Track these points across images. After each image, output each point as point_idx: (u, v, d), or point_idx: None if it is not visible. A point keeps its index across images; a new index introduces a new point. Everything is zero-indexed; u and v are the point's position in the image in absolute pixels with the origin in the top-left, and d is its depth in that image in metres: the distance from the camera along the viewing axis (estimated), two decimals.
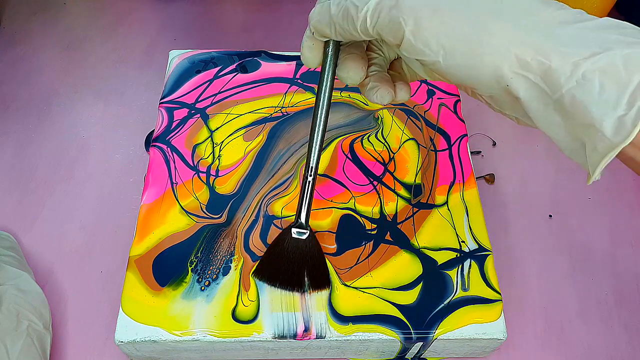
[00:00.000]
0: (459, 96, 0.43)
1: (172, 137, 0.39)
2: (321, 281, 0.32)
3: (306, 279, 0.32)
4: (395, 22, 0.22)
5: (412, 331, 0.32)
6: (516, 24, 0.21)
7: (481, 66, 0.21)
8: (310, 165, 0.30)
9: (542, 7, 0.21)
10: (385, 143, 0.40)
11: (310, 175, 0.30)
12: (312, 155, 0.29)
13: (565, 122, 0.21)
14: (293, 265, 0.32)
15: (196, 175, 0.37)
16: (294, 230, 0.31)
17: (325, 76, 0.27)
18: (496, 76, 0.21)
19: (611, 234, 0.41)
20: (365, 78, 0.28)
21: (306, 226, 0.31)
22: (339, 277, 0.33)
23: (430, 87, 0.43)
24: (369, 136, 0.40)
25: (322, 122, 0.28)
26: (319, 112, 0.28)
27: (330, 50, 0.27)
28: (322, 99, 0.28)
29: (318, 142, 0.29)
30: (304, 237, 0.31)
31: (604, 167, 0.20)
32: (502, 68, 0.21)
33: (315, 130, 0.29)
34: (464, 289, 0.33)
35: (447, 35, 0.22)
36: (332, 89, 0.28)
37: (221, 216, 0.35)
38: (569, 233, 0.41)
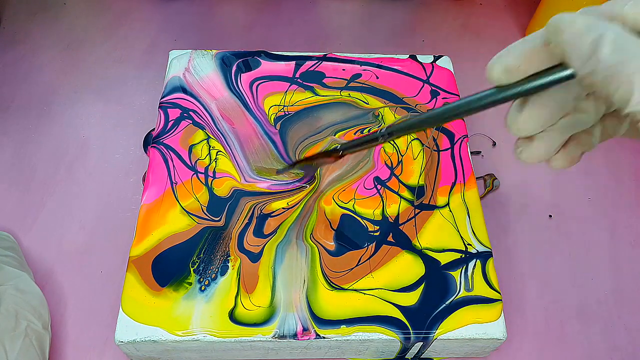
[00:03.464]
0: (459, 96, 0.43)
1: (172, 137, 0.39)
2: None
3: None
4: None
5: (411, 331, 0.32)
6: None
7: None
8: (392, 131, 0.26)
9: None
10: (395, 145, 0.39)
11: (383, 137, 0.27)
12: (403, 130, 0.26)
13: None
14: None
15: (195, 175, 0.37)
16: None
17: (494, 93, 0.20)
18: None
19: (611, 234, 0.41)
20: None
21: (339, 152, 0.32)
22: (327, 281, 0.33)
23: (433, 88, 0.43)
24: (369, 130, 0.40)
25: (442, 118, 0.23)
26: (453, 109, 0.22)
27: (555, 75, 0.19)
28: (467, 103, 0.21)
29: (418, 126, 0.25)
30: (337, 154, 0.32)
31: None
32: None
33: (433, 116, 0.23)
34: (468, 290, 0.33)
35: None
36: (484, 106, 0.21)
37: (220, 219, 0.35)
38: (569, 233, 0.41)
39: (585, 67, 0.17)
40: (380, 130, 0.27)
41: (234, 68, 0.43)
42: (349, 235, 0.35)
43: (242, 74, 0.43)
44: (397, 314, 0.32)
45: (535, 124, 0.20)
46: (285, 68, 0.44)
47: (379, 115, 0.41)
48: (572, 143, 0.22)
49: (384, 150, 0.39)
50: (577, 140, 0.22)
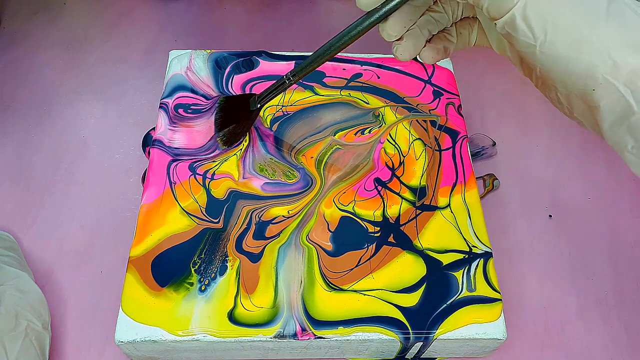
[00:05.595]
0: (459, 96, 0.43)
1: (171, 137, 0.39)
2: (232, 140, 0.39)
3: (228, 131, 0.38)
4: None
5: (410, 331, 0.32)
6: (621, 30, 0.21)
7: (576, 63, 0.21)
8: (296, 73, 0.32)
9: None
10: (396, 145, 0.39)
11: (289, 80, 0.33)
12: (304, 69, 0.32)
13: (637, 142, 0.22)
14: (235, 120, 0.38)
15: (193, 176, 0.37)
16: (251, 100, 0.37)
17: (367, 18, 0.27)
18: (587, 77, 0.21)
19: (611, 234, 0.41)
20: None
21: (258, 105, 0.36)
22: (326, 282, 0.33)
23: (435, 88, 0.43)
24: (370, 130, 0.40)
25: (330, 51, 0.30)
26: (337, 40, 0.29)
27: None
28: (346, 32, 0.28)
29: (314, 64, 0.31)
30: (254, 108, 0.37)
31: None
32: (597, 70, 0.21)
33: (323, 52, 0.30)
34: (470, 290, 0.33)
35: (555, 22, 0.21)
36: (361, 31, 0.28)
37: (219, 221, 0.35)
38: (569, 233, 0.41)
39: None
40: (286, 75, 0.33)
41: (228, 69, 0.43)
42: (347, 236, 0.35)
43: (235, 75, 0.43)
44: (397, 315, 0.32)
45: (399, 26, 0.27)
46: (285, 67, 0.44)
47: (379, 115, 0.41)
48: (435, 39, 0.29)
49: (385, 151, 0.39)
50: (439, 37, 0.29)
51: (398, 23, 0.27)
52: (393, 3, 0.26)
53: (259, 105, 0.36)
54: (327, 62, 0.44)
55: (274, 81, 0.35)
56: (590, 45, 0.21)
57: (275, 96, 0.35)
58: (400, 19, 0.26)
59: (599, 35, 0.21)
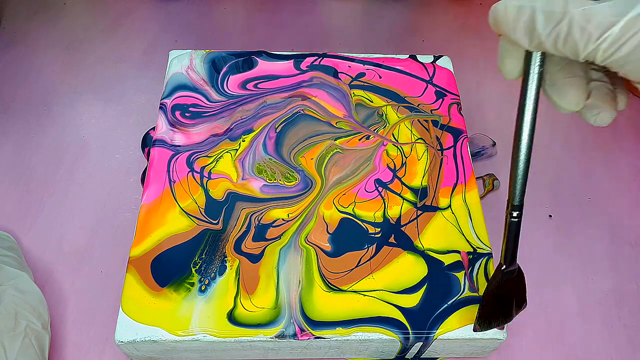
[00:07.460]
0: (459, 96, 0.43)
1: (172, 136, 0.39)
2: (522, 303, 0.31)
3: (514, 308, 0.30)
4: None
5: (410, 331, 0.32)
6: None
7: None
8: (514, 202, 0.27)
9: None
10: (400, 148, 0.39)
11: (514, 214, 0.27)
12: (516, 189, 0.26)
13: None
14: (505, 300, 0.30)
15: (190, 173, 0.37)
16: (503, 269, 0.29)
17: (528, 94, 0.23)
18: None
19: (611, 234, 0.41)
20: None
21: (513, 263, 0.29)
22: (325, 282, 0.33)
23: (437, 89, 0.43)
24: (376, 130, 0.40)
25: (526, 149, 0.25)
26: (522, 136, 0.24)
27: (534, 63, 0.23)
28: (524, 119, 0.23)
29: (521, 175, 0.26)
30: (514, 273, 0.30)
31: None
32: None
33: (518, 158, 0.25)
34: (473, 290, 0.33)
35: None
36: (536, 108, 0.23)
37: (218, 222, 0.35)
38: (569, 233, 0.41)
39: (535, 45, 0.21)
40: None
41: (225, 68, 0.43)
42: (347, 237, 0.35)
43: (231, 75, 0.43)
44: (397, 315, 0.32)
45: (580, 100, 0.23)
46: (284, 67, 0.44)
47: (382, 114, 0.41)
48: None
49: (387, 153, 0.39)
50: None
51: (575, 94, 0.23)
52: (535, 61, 0.22)
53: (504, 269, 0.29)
54: (337, 59, 0.44)
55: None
56: None
57: (514, 242, 0.29)
58: (576, 88, 0.23)
59: None
